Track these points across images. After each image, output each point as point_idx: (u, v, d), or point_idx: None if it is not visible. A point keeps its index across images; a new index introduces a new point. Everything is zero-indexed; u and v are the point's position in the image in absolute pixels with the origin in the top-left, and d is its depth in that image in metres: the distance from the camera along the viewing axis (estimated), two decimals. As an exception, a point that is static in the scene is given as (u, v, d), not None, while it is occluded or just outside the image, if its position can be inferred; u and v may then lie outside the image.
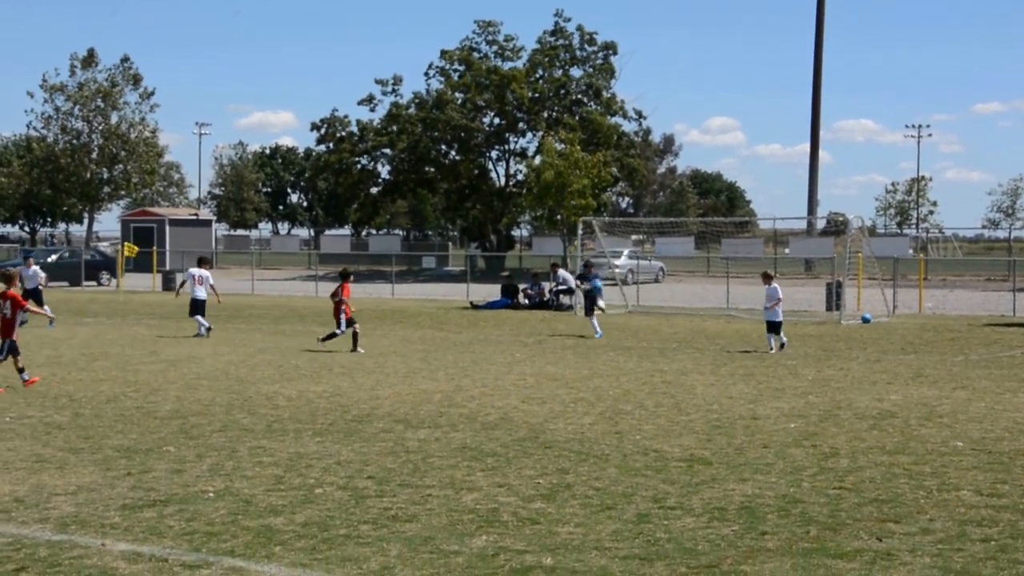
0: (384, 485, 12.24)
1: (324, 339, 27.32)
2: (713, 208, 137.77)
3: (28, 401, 18.32)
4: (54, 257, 66.51)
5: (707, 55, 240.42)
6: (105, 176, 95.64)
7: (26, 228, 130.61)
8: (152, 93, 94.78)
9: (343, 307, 27.33)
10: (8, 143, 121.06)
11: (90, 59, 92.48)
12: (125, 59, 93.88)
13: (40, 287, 34.39)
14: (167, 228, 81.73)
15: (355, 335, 26.97)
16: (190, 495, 11.77)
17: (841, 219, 59.95)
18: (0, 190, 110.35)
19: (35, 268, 34.81)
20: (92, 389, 19.88)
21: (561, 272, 43.99)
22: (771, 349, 26.94)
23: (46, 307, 32.57)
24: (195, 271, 31.72)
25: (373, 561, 9.45)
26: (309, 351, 26.79)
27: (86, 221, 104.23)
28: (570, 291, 41.81)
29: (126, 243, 62.06)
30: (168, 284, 56.76)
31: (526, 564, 9.36)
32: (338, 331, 27.27)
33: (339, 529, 10.44)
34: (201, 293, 31.22)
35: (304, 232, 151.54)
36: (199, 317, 30.95)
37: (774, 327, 27.30)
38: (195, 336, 30.37)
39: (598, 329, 31.90)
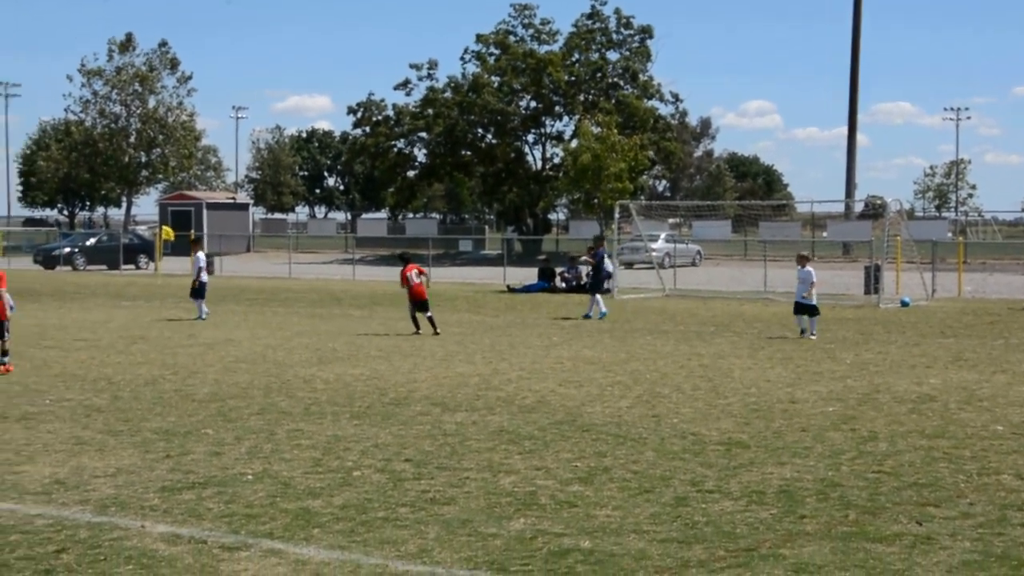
0: (422, 468, 12.25)
1: (433, 328, 27.19)
2: (750, 191, 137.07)
3: (67, 384, 18.44)
4: (92, 241, 66.90)
5: (743, 38, 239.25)
6: (143, 160, 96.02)
7: (64, 212, 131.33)
8: (189, 77, 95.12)
9: (421, 288, 27.40)
10: (47, 127, 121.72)
11: (128, 43, 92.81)
12: (163, 43, 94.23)
13: None
14: (204, 212, 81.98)
15: (415, 319, 27.08)
16: (229, 477, 11.82)
17: (879, 202, 59.66)
18: (39, 174, 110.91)
19: None
20: (131, 372, 19.98)
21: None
22: (805, 334, 26.51)
23: None
24: (204, 256, 31.87)
25: (411, 544, 9.46)
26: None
27: (124, 205, 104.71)
28: (608, 275, 41.69)
29: (163, 226, 62.31)
30: (208, 267, 56.91)
31: (564, 547, 9.36)
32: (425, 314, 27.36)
33: (377, 512, 10.46)
34: (206, 277, 31.37)
35: (341, 216, 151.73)
36: (202, 302, 31.10)
37: (808, 309, 26.93)
38: (196, 319, 30.43)
39: (603, 308, 32.00)
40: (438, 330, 26.93)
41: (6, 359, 19.60)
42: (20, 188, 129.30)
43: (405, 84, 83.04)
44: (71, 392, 17.60)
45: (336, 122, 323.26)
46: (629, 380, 19.21)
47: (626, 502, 10.82)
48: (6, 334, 19.81)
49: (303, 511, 10.49)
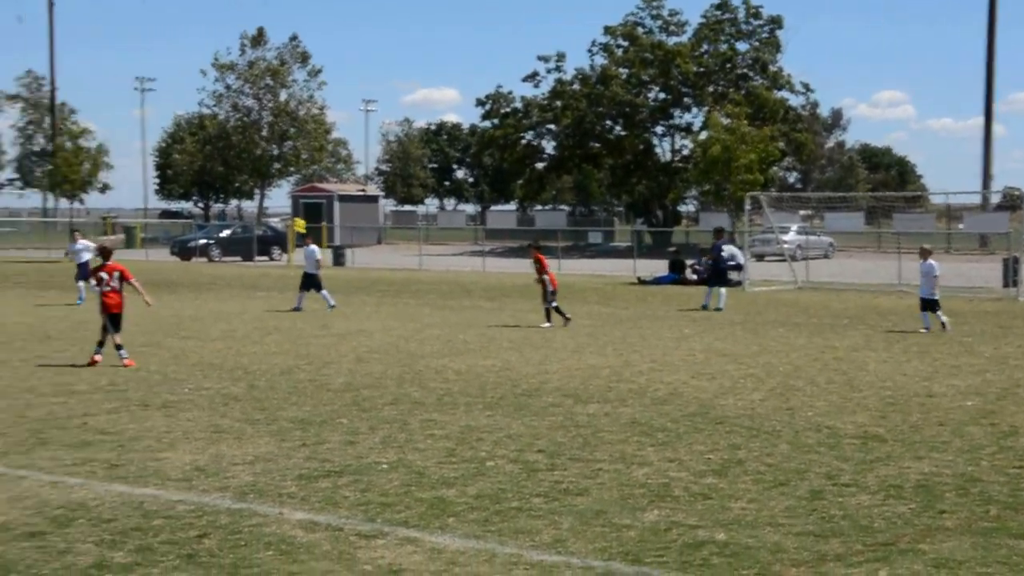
0: (555, 459, 12.27)
1: (564, 320, 27.18)
2: (883, 183, 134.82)
3: (205, 373, 18.78)
4: (227, 232, 68.03)
5: (875, 27, 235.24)
6: (275, 153, 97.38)
7: (199, 204, 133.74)
8: (320, 71, 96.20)
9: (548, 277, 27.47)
10: (181, 121, 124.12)
11: (259, 38, 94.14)
12: (293, 38, 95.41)
13: (87, 261, 33.25)
14: (336, 204, 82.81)
15: (550, 311, 27.11)
16: (364, 466, 11.95)
17: (1017, 193, 58.33)
18: (175, 167, 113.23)
19: (83, 243, 34.19)
20: (266, 362, 20.27)
21: (729, 247, 43.52)
22: (926, 328, 25.96)
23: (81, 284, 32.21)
24: (319, 248, 32.39)
25: (545, 534, 9.49)
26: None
27: (257, 197, 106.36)
28: (738, 267, 41.34)
29: (296, 218, 63.02)
30: (338, 259, 57.64)
31: (699, 539, 9.31)
32: (552, 304, 27.35)
33: (511, 501, 10.50)
34: (313, 267, 31.71)
35: (470, 208, 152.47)
36: (311, 291, 31.34)
37: (930, 304, 26.41)
38: (294, 309, 30.74)
39: (706, 300, 31.83)
40: (569, 316, 26.98)
41: (124, 352, 19.65)
42: (157, 181, 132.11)
43: (533, 76, 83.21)
44: (209, 381, 17.93)
45: (464, 115, 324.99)
46: (762, 373, 19.04)
47: (761, 495, 10.73)
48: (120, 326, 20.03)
49: (438, 500, 10.57)
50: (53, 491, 10.91)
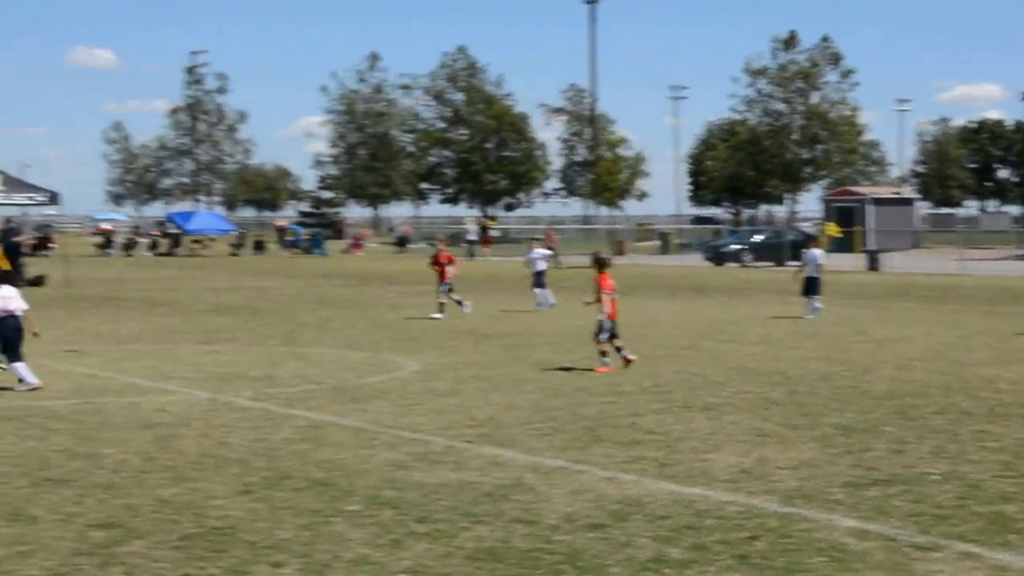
0: None
1: None
2: None
3: (744, 377, 18.85)
4: (759, 237, 68.22)
5: None
6: (806, 156, 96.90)
7: (730, 210, 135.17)
8: (852, 72, 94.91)
9: None
10: (712, 128, 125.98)
11: (791, 41, 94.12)
12: (825, 39, 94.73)
13: (543, 269, 33.65)
14: (869, 207, 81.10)
15: None
16: (913, 476, 11.61)
17: None
18: (707, 173, 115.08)
19: (539, 251, 34.41)
20: (804, 367, 20.10)
21: None
22: None
23: (544, 290, 32.81)
24: (821, 253, 31.45)
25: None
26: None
27: (787, 202, 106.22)
28: None
29: (829, 223, 62.37)
30: (872, 264, 56.49)
31: None
32: None
33: (1084, 522, 9.89)
34: (816, 272, 30.64)
35: (1015, 209, 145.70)
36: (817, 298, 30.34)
37: None
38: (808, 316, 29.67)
39: None
40: None
41: (607, 359, 19.71)
42: (689, 187, 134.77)
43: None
44: (748, 385, 17.98)
45: (1008, 110, 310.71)
46: None
47: None
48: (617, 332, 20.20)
49: (997, 515, 10.10)
50: (609, 486, 11.29)
